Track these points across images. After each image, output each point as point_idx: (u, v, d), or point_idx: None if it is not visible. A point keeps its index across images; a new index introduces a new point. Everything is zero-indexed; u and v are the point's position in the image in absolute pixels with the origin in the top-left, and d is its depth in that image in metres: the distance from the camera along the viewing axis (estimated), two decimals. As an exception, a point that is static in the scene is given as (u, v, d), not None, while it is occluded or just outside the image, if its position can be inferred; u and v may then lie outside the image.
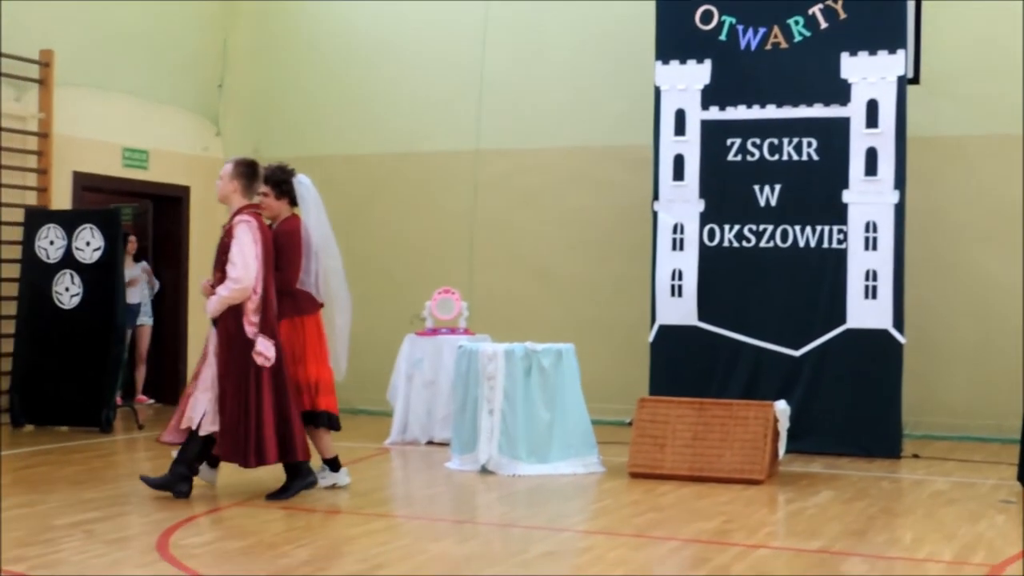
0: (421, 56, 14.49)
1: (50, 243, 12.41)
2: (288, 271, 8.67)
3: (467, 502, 9.05)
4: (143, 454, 11.31)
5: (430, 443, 11.53)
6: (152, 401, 14.57)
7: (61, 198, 13.26)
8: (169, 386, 14.76)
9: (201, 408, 8.37)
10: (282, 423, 8.34)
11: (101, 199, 14.69)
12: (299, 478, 8.52)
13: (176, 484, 8.42)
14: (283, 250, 8.66)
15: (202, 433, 8.37)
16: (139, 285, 14.14)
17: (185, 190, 15.01)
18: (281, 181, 8.81)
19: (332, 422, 8.90)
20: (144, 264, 14.40)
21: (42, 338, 12.36)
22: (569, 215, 13.78)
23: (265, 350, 8.26)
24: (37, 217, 12.57)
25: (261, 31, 15.35)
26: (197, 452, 8.45)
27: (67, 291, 12.35)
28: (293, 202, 8.88)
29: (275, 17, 15.27)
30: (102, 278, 12.32)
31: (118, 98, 14.08)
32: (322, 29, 15.03)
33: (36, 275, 12.41)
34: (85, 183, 13.73)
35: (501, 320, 13.11)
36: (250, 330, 8.28)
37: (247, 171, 8.55)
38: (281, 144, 15.09)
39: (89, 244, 12.34)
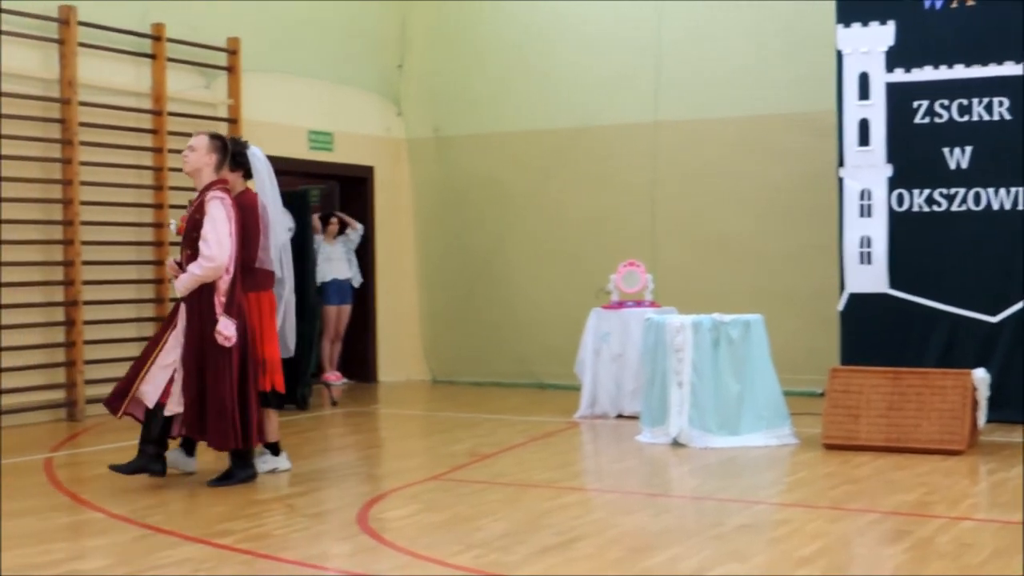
0: (598, 28, 14.43)
1: (242, 226, 12.71)
2: (249, 247, 8.35)
3: (659, 475, 9.03)
4: (338, 430, 11.56)
5: (619, 416, 11.54)
6: (344, 380, 14.77)
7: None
8: (358, 364, 15.03)
9: (159, 385, 8.13)
10: (244, 407, 8.08)
11: (289, 181, 14.93)
12: (244, 467, 8.24)
13: (150, 464, 8.22)
14: (243, 226, 8.29)
15: (167, 413, 8.14)
16: (346, 262, 14.26)
17: (369, 170, 15.25)
18: (236, 153, 8.52)
19: (279, 401, 8.66)
20: (343, 238, 14.39)
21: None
22: (751, 184, 13.60)
23: (225, 329, 7.93)
24: (229, 201, 12.88)
25: (438, 10, 15.46)
26: (160, 430, 8.21)
27: (260, 272, 12.63)
28: (247, 175, 8.65)
29: (452, -4, 15.40)
30: (293, 258, 12.51)
31: (302, 82, 14.36)
32: (498, 6, 15.08)
33: (230, 257, 12.73)
34: (273, 166, 13.95)
35: (686, 292, 13.02)
36: (219, 309, 7.98)
37: (222, 146, 8.32)
38: (460, 122, 15.24)
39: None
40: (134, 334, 12.33)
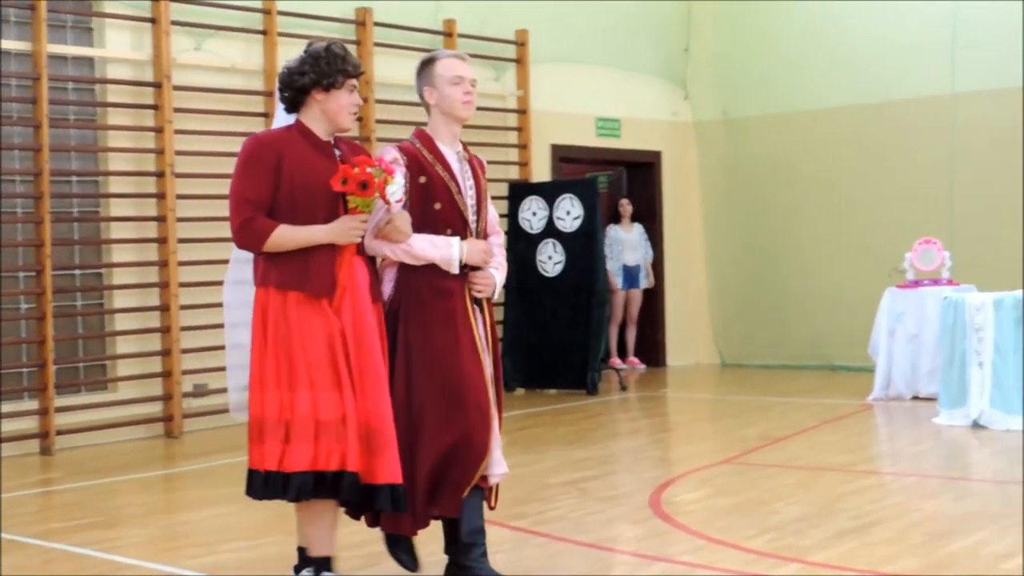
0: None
1: (532, 214, 12.97)
2: None
3: (958, 458, 8.79)
4: (628, 414, 11.66)
5: (915, 398, 11.27)
6: (640, 365, 14.87)
7: (540, 170, 13.82)
8: (647, 348, 15.07)
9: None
10: None
11: (577, 169, 15.21)
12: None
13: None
14: None
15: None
16: (640, 250, 14.54)
17: (656, 155, 15.27)
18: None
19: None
20: (640, 227, 14.69)
21: (529, 305, 12.95)
22: (1056, 155, 12.98)
23: None
24: (520, 190, 13.16)
25: (723, -9, 15.36)
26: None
27: (550, 259, 12.87)
28: None
29: (737, -24, 15.24)
30: (582, 245, 12.73)
31: (589, 70, 14.48)
32: (784, -17, 14.85)
33: (522, 245, 13.01)
34: (562, 155, 14.24)
35: (986, 269, 12.49)
36: None
37: None
38: (748, 103, 15.09)
39: (569, 213, 12.79)
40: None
